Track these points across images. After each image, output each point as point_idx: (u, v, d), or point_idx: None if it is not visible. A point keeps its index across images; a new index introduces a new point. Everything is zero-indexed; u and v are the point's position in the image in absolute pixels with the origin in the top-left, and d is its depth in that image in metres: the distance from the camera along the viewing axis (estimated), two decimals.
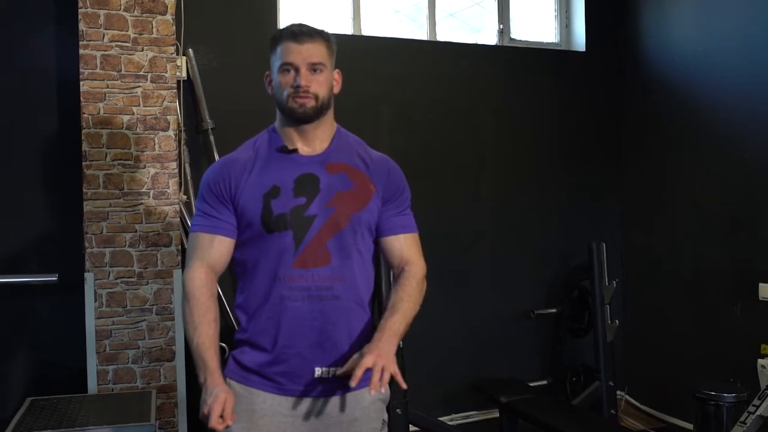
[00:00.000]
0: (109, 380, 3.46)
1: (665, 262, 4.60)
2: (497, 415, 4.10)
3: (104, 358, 3.46)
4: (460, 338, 4.56)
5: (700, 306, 4.33)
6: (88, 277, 3.43)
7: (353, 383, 1.71)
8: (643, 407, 4.73)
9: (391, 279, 2.05)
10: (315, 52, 1.88)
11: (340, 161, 1.94)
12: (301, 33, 1.87)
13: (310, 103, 1.90)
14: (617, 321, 4.24)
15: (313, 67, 1.89)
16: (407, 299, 1.94)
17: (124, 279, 3.48)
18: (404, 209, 2.04)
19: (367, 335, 1.92)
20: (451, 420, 4.45)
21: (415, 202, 4.51)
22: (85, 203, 3.43)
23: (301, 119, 1.93)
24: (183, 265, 3.59)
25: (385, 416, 2.00)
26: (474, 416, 4.63)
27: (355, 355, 1.80)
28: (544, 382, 4.73)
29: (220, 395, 1.72)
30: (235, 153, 2.00)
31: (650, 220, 4.74)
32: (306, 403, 1.87)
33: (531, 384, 4.36)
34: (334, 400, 1.89)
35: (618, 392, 4.51)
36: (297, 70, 1.87)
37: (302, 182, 1.88)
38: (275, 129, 2.03)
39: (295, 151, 1.94)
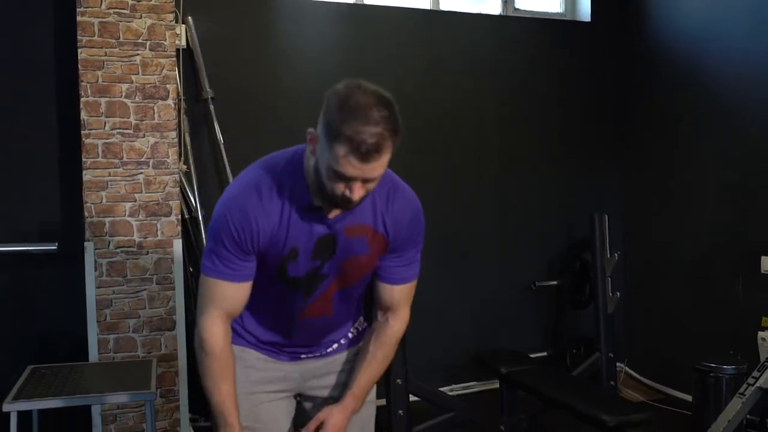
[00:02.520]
0: (110, 349, 3.47)
1: (667, 235, 4.58)
2: (497, 385, 4.10)
3: (105, 327, 3.46)
4: (461, 310, 4.57)
5: (701, 279, 4.32)
6: (88, 246, 3.42)
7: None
8: (642, 379, 4.75)
9: (373, 315, 1.98)
10: (378, 168, 1.59)
11: (359, 223, 1.76)
12: (369, 152, 1.54)
13: (353, 206, 1.67)
14: (618, 293, 4.24)
15: (370, 180, 1.62)
16: (383, 361, 1.94)
17: (124, 248, 3.47)
18: (412, 261, 1.90)
19: (354, 325, 2.03)
20: (452, 390, 4.47)
21: (417, 177, 4.51)
22: (84, 172, 3.41)
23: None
24: (183, 235, 3.61)
25: None
26: (474, 387, 4.65)
27: (325, 409, 1.89)
28: (545, 354, 4.75)
29: None
30: (260, 199, 1.70)
31: (653, 194, 4.71)
32: (297, 364, 1.97)
33: (531, 356, 4.37)
34: (326, 359, 1.99)
35: (618, 364, 4.53)
36: (352, 179, 1.60)
37: (321, 244, 1.75)
38: (304, 177, 1.72)
39: (320, 209, 1.72)
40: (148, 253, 3.50)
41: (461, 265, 4.56)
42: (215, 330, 1.75)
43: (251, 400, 1.89)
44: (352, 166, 1.55)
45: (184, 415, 3.63)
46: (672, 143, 4.55)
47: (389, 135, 1.56)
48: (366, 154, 1.53)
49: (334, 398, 1.97)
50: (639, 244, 4.80)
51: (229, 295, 1.74)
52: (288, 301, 1.84)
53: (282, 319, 1.89)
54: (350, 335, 2.01)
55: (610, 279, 4.25)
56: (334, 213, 1.72)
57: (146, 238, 3.50)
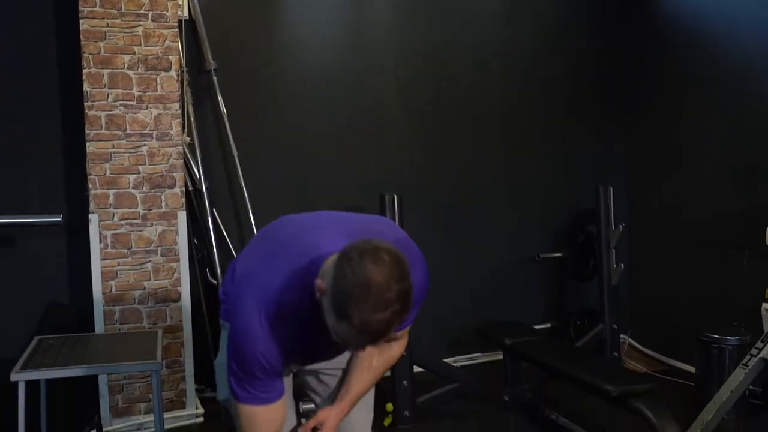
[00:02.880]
0: (115, 320, 3.49)
1: (672, 208, 4.57)
2: (501, 357, 4.13)
3: (110, 298, 3.48)
4: (465, 282, 4.57)
5: (706, 251, 4.31)
6: (93, 218, 3.43)
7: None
8: (645, 350, 4.76)
9: None
10: (387, 338, 1.54)
11: None
12: (377, 338, 1.47)
13: None
14: (622, 265, 4.24)
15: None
16: (379, 373, 1.95)
17: (129, 220, 3.48)
18: (410, 319, 1.84)
19: None
20: (456, 361, 4.49)
21: (422, 150, 4.48)
22: (87, 144, 3.40)
23: None
24: (187, 207, 3.61)
25: None
26: (478, 358, 4.67)
27: (322, 411, 1.90)
28: (548, 326, 4.76)
29: None
30: (278, 330, 1.64)
31: (658, 166, 4.69)
32: None
33: (535, 327, 4.38)
34: None
35: (621, 336, 4.54)
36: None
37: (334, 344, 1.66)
38: (321, 306, 1.55)
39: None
40: (152, 224, 3.51)
41: (465, 237, 4.56)
42: None
43: None
44: (358, 343, 1.50)
45: (190, 385, 3.66)
46: (678, 115, 4.51)
47: (399, 316, 1.46)
48: (374, 338, 1.47)
49: (336, 368, 1.98)
50: (644, 217, 4.79)
51: (272, 417, 1.75)
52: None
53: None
54: None
55: (614, 251, 4.25)
56: None
57: (150, 210, 3.50)
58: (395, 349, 1.94)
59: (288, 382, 2.01)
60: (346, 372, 1.95)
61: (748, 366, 3.47)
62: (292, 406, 2.05)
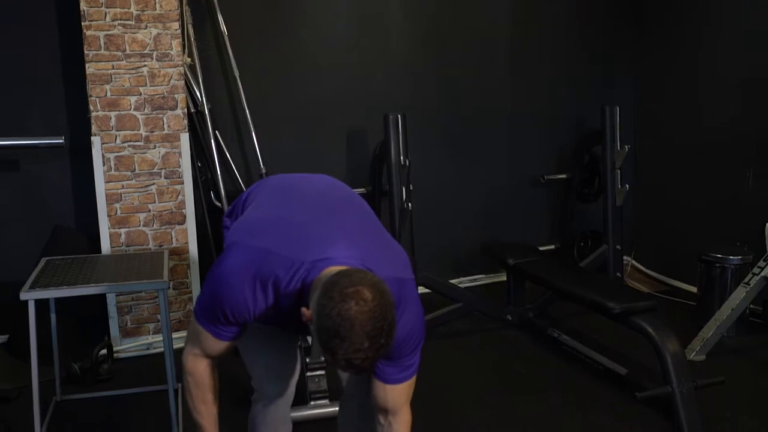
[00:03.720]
0: (121, 243, 3.51)
1: (678, 128, 4.52)
2: (504, 278, 4.16)
3: (116, 221, 3.49)
4: (469, 203, 4.58)
5: (711, 171, 4.29)
6: (95, 140, 3.41)
7: None
8: (648, 272, 4.80)
9: (376, 424, 1.90)
10: (372, 366, 1.59)
11: None
12: (361, 371, 1.51)
13: None
14: (627, 186, 4.22)
15: None
16: None
17: (131, 143, 3.46)
18: (408, 365, 1.80)
19: None
20: (459, 283, 4.53)
21: (427, 70, 4.41)
22: (87, 65, 3.35)
23: None
24: (190, 129, 3.58)
25: None
26: (482, 279, 4.72)
27: None
28: (552, 247, 4.78)
29: None
30: (258, 297, 1.67)
31: (665, 85, 4.62)
32: None
33: (539, 248, 4.40)
34: None
35: (624, 257, 4.56)
36: None
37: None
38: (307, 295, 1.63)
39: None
40: (155, 147, 3.49)
41: (470, 158, 4.54)
42: (198, 363, 1.84)
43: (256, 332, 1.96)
44: (347, 372, 1.56)
45: None
46: (685, 33, 4.42)
47: (382, 349, 1.47)
48: (359, 371, 1.50)
49: None
50: (649, 137, 4.75)
51: (214, 347, 1.80)
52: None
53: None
54: None
55: (619, 171, 4.23)
56: None
57: (153, 132, 3.48)
58: (402, 429, 1.87)
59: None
60: None
61: (749, 284, 3.51)
62: (298, 360, 2.10)
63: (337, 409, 2.86)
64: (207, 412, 1.88)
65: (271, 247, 1.65)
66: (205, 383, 1.85)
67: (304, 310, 1.54)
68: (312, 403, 2.88)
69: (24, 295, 2.50)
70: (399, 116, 3.70)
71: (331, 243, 1.63)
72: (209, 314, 1.73)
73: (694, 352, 3.44)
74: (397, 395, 1.81)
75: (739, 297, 3.52)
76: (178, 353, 3.37)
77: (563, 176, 4.69)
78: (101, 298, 3.53)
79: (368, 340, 1.43)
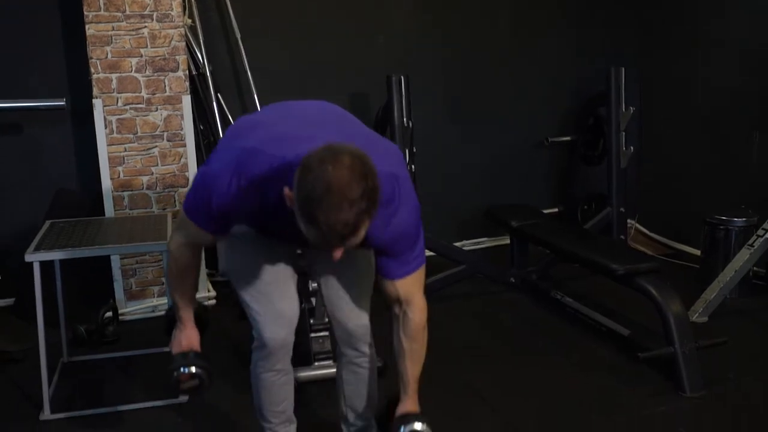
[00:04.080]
0: (125, 206, 3.51)
1: (684, 89, 4.48)
2: (507, 241, 4.17)
3: (118, 184, 3.49)
4: (472, 166, 4.56)
5: (717, 133, 4.26)
6: (97, 103, 3.39)
7: None
8: (652, 235, 4.79)
9: (391, 315, 1.94)
10: (357, 240, 1.52)
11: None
12: (344, 238, 1.47)
13: None
14: (632, 148, 4.20)
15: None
16: (421, 349, 1.95)
17: (133, 105, 3.44)
18: (412, 258, 1.84)
19: None
20: (463, 246, 4.54)
21: (430, 31, 4.36)
22: (87, 27, 3.32)
23: None
24: (192, 91, 3.56)
25: None
26: (485, 243, 4.73)
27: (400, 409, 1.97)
28: (556, 210, 4.78)
29: (190, 337, 2.01)
30: (239, 202, 1.68)
31: (671, 47, 4.56)
32: None
33: (543, 211, 4.39)
34: None
35: (628, 221, 4.56)
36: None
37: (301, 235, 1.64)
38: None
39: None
40: (157, 109, 3.47)
41: (473, 120, 4.51)
42: (183, 249, 1.88)
43: (253, 246, 1.95)
44: (327, 246, 1.51)
45: (202, 269, 3.72)
46: None
47: (365, 215, 1.46)
48: (341, 239, 1.48)
49: (333, 268, 2.01)
50: (655, 98, 4.70)
51: (200, 236, 1.83)
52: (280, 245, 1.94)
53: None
54: None
55: (624, 134, 4.20)
56: None
57: (154, 94, 3.45)
58: (416, 320, 1.90)
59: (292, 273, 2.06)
60: (398, 364, 1.97)
61: (753, 246, 3.51)
62: (297, 305, 2.09)
63: None
64: (184, 292, 1.96)
65: (256, 145, 1.68)
66: (187, 268, 1.92)
67: (286, 190, 1.53)
68: (316, 363, 2.90)
69: (29, 257, 2.51)
70: (402, 77, 3.67)
71: (317, 139, 1.57)
72: (195, 205, 1.77)
73: (697, 314, 3.45)
74: (406, 288, 1.85)
75: (742, 259, 3.52)
76: None
77: (567, 138, 4.67)
78: (105, 261, 3.54)
79: (348, 203, 1.42)
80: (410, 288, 1.86)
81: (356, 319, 2.06)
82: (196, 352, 2.00)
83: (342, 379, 2.20)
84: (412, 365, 1.94)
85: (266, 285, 1.97)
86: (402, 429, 1.93)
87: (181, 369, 1.97)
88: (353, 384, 2.18)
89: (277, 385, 2.12)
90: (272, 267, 1.98)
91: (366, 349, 2.12)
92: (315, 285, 2.74)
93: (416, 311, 1.89)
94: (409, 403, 1.96)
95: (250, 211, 1.72)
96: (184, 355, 1.99)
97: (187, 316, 1.99)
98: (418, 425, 1.93)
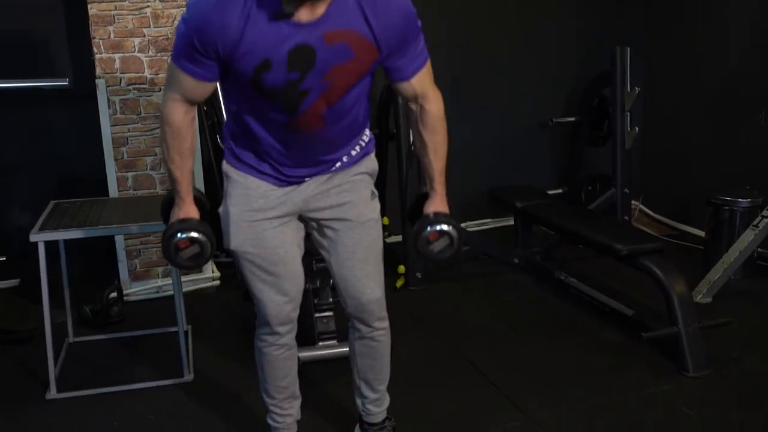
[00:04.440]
0: (129, 187, 3.51)
1: (689, 68, 4.45)
2: (511, 222, 4.17)
3: (122, 165, 3.49)
4: (476, 147, 4.54)
5: (722, 113, 4.23)
6: (100, 83, 3.38)
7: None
8: (656, 216, 4.78)
9: (408, 109, 1.97)
10: None
11: (340, 27, 1.67)
12: None
13: None
14: (637, 128, 4.18)
15: None
16: (443, 141, 1.96)
17: (136, 85, 3.43)
18: (417, 52, 1.86)
19: (358, 140, 2.00)
20: (467, 227, 4.54)
21: (433, 12, 4.33)
22: (89, 6, 3.30)
23: None
24: None
25: (374, 190, 2.07)
26: (489, 224, 4.72)
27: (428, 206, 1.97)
28: (560, 191, 4.76)
29: (189, 212, 1.91)
30: (222, 6, 1.62)
31: (677, 26, 4.52)
32: (297, 187, 1.96)
33: (547, 192, 4.38)
34: (322, 178, 1.97)
35: (633, 202, 4.55)
36: None
37: (296, 55, 1.67)
38: None
39: (290, 16, 1.63)
40: (160, 89, 3.45)
41: (477, 100, 4.48)
42: (176, 109, 1.80)
43: (255, 227, 1.93)
44: None
45: None
46: None
47: None
48: None
49: (338, 219, 1.99)
50: (660, 78, 4.67)
51: (191, 87, 1.76)
52: (275, 122, 1.82)
53: (274, 146, 1.87)
54: (353, 152, 1.98)
55: (629, 114, 4.18)
56: (306, 16, 1.63)
57: (158, 74, 3.44)
58: (434, 111, 1.92)
59: (294, 232, 2.03)
60: (420, 164, 2.01)
61: (758, 227, 3.50)
62: (302, 281, 2.08)
63: (345, 350, 2.91)
64: (182, 163, 1.86)
65: None
66: (182, 133, 1.83)
67: None
68: (320, 344, 2.91)
69: (34, 237, 2.52)
70: None
71: None
72: (182, 50, 1.70)
73: (701, 295, 3.45)
74: (420, 83, 1.88)
75: (747, 240, 3.51)
76: (188, 295, 3.43)
77: (572, 119, 4.65)
78: (110, 242, 3.55)
79: None
80: (423, 82, 1.88)
81: (370, 293, 2.06)
82: (196, 218, 1.91)
83: (355, 353, 2.21)
84: (436, 159, 1.95)
85: (271, 262, 1.96)
86: (428, 228, 1.93)
87: (179, 234, 1.84)
88: (366, 357, 2.19)
89: (281, 360, 2.12)
90: (278, 244, 1.96)
91: (379, 323, 2.13)
92: (319, 265, 2.75)
93: (432, 103, 1.92)
94: (437, 201, 1.98)
95: (234, 31, 1.62)
96: (183, 220, 1.88)
97: (185, 190, 1.89)
98: (444, 226, 1.93)
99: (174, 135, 1.83)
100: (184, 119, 1.82)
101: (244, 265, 1.98)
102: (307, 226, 2.05)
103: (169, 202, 1.95)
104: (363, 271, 2.03)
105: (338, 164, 1.96)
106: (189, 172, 1.89)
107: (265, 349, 2.11)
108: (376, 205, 2.06)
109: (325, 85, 1.73)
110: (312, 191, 1.95)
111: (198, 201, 1.94)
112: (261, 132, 1.85)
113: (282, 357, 2.12)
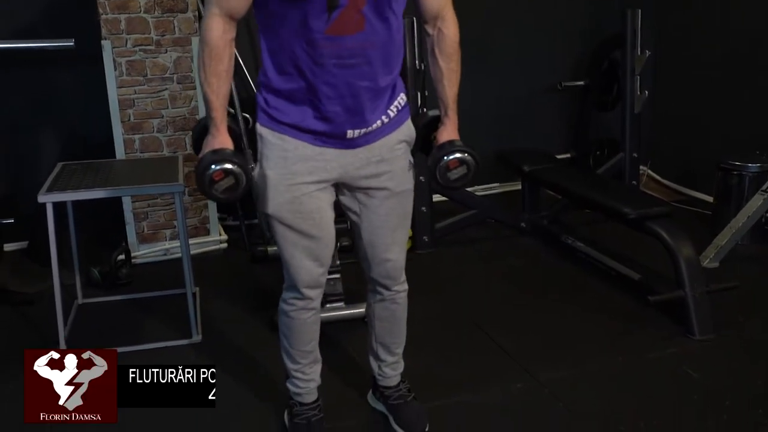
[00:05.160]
0: (136, 149, 3.51)
1: (699, 32, 4.39)
2: (518, 187, 4.15)
3: (129, 127, 3.48)
4: (484, 111, 4.50)
5: (733, 78, 4.19)
6: (106, 44, 3.35)
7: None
8: (664, 181, 4.76)
9: (425, 34, 2.02)
10: None
11: None
12: None
13: None
14: (646, 92, 4.14)
15: None
16: (457, 68, 2.04)
17: (142, 47, 3.40)
18: None
19: (395, 99, 1.97)
20: (474, 191, 4.51)
21: None
22: None
23: None
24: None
25: (411, 158, 2.05)
26: (496, 188, 4.71)
27: (441, 133, 2.05)
28: (568, 156, 4.74)
29: (224, 142, 1.84)
30: None
31: None
32: (336, 152, 1.91)
33: (555, 156, 4.36)
34: (362, 149, 1.93)
35: (641, 167, 4.52)
36: None
37: None
38: None
39: None
40: (166, 51, 3.43)
41: (483, 63, 4.43)
42: (214, 26, 1.76)
43: (292, 190, 1.89)
44: None
45: (213, 212, 3.74)
46: None
47: None
48: None
49: (376, 189, 1.97)
50: (670, 41, 4.61)
51: (233, 3, 1.75)
52: (314, 43, 1.76)
53: (315, 82, 1.80)
54: (391, 112, 1.94)
55: (638, 78, 4.14)
56: None
57: (164, 35, 3.41)
58: (451, 34, 1.99)
59: (329, 198, 2.00)
60: (437, 88, 2.06)
61: (767, 192, 3.48)
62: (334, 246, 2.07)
63: (352, 311, 2.93)
64: (218, 86, 1.81)
65: None
66: (220, 54, 1.78)
67: None
68: (327, 305, 2.93)
69: (42, 198, 2.52)
70: (413, 19, 3.61)
71: None
72: None
73: (708, 260, 3.45)
74: (443, 1, 1.95)
75: (755, 204, 3.49)
76: (195, 258, 3.44)
77: (581, 83, 4.60)
78: (117, 204, 3.55)
79: None
80: (445, 1, 1.95)
81: (396, 259, 2.08)
82: (230, 148, 1.84)
83: (374, 316, 2.22)
84: (450, 85, 2.02)
85: (307, 226, 1.94)
86: (448, 157, 1.98)
87: (213, 166, 1.77)
88: (386, 321, 2.21)
89: (308, 324, 2.12)
90: (314, 208, 1.94)
91: (400, 286, 2.15)
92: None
93: (450, 26, 1.98)
94: (451, 128, 2.05)
95: None
96: (216, 151, 1.81)
97: (220, 118, 1.83)
98: (464, 155, 2.00)
99: (212, 55, 1.77)
100: (222, 37, 1.77)
101: (278, 230, 1.95)
102: (338, 191, 2.02)
103: (201, 130, 1.89)
104: (392, 238, 2.04)
105: (378, 123, 1.89)
106: (225, 98, 1.83)
107: (292, 313, 2.10)
108: (413, 175, 2.05)
109: None
110: (351, 160, 1.91)
111: (231, 130, 1.89)
112: (303, 62, 1.78)
113: (310, 321, 2.11)
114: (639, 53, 4.09)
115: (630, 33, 4.08)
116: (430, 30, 1.97)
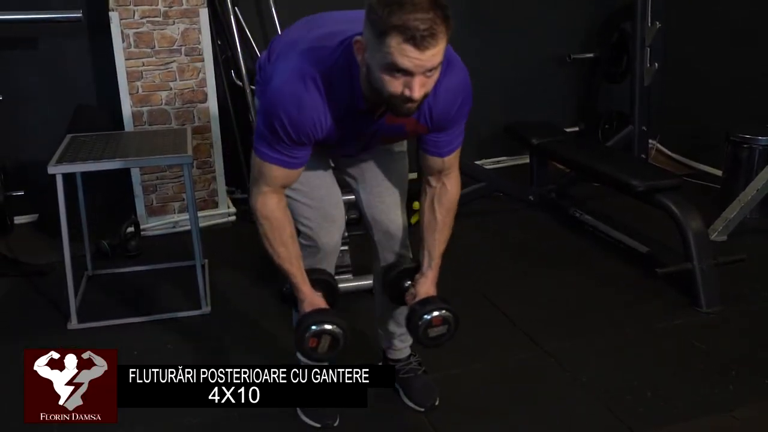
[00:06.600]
0: (144, 121, 3.51)
1: (711, 3, 4.34)
2: (526, 161, 4.14)
3: (137, 99, 3.48)
4: (492, 84, 4.46)
5: (744, 51, 4.15)
6: (113, 16, 3.34)
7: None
8: (673, 155, 4.74)
9: (426, 185, 1.99)
10: (436, 56, 1.49)
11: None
12: (424, 38, 1.44)
13: (415, 107, 1.60)
14: (656, 64, 4.10)
15: (429, 71, 1.52)
16: (451, 224, 2.01)
17: (150, 18, 3.39)
18: (459, 132, 1.91)
19: None
20: (482, 165, 4.51)
21: None
22: None
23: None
24: (209, 4, 3.50)
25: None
26: (504, 162, 4.70)
27: (418, 284, 2.00)
28: (576, 129, 4.72)
29: (314, 303, 1.89)
30: (318, 95, 1.65)
31: None
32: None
33: (564, 129, 4.34)
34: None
35: (650, 141, 4.49)
36: (410, 74, 1.51)
37: (361, 137, 1.81)
38: (359, 81, 1.64)
39: (371, 113, 1.72)
40: (174, 23, 3.42)
41: (491, 35, 4.39)
42: (268, 202, 1.80)
43: (303, 175, 1.92)
44: (407, 58, 1.47)
45: (221, 185, 3.75)
46: None
47: (441, 20, 1.46)
48: (421, 40, 1.44)
49: (372, 174, 2.04)
50: (681, 13, 4.55)
51: (283, 176, 1.78)
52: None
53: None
54: None
55: (649, 49, 4.10)
56: (379, 110, 1.71)
57: (171, 7, 3.40)
58: (453, 192, 1.97)
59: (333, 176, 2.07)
60: (422, 241, 2.02)
61: None
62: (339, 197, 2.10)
63: (360, 283, 2.94)
64: (288, 253, 1.85)
65: (309, 46, 1.69)
66: (280, 224, 1.83)
67: (356, 39, 1.57)
68: (336, 277, 2.94)
69: (51, 169, 2.53)
70: None
71: None
72: (270, 141, 1.72)
73: (716, 233, 3.44)
74: (451, 161, 1.94)
75: (765, 178, 3.48)
76: (204, 231, 3.46)
77: (590, 55, 4.56)
78: (126, 177, 3.57)
79: (426, 3, 1.45)
80: (454, 160, 1.94)
81: (397, 220, 2.09)
82: (320, 307, 1.87)
83: (382, 287, 2.23)
84: (441, 240, 2.00)
85: (318, 191, 1.99)
86: (432, 314, 1.93)
87: (312, 327, 1.81)
88: None
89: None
90: (321, 175, 2.00)
91: (406, 251, 2.15)
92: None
93: (454, 183, 1.98)
94: (431, 282, 2.01)
95: (327, 119, 1.68)
96: (309, 314, 1.85)
97: (301, 281, 1.88)
98: (447, 312, 1.94)
99: (273, 227, 1.82)
100: (278, 207, 1.81)
101: (292, 194, 1.96)
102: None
103: (288, 296, 1.94)
104: (391, 198, 2.07)
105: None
106: (297, 259, 1.87)
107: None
108: (405, 140, 2.07)
109: (368, 146, 1.91)
110: (345, 160, 2.05)
111: (316, 283, 1.92)
112: None
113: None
114: (650, 25, 4.05)
115: (640, 4, 4.03)
116: (433, 182, 1.97)
